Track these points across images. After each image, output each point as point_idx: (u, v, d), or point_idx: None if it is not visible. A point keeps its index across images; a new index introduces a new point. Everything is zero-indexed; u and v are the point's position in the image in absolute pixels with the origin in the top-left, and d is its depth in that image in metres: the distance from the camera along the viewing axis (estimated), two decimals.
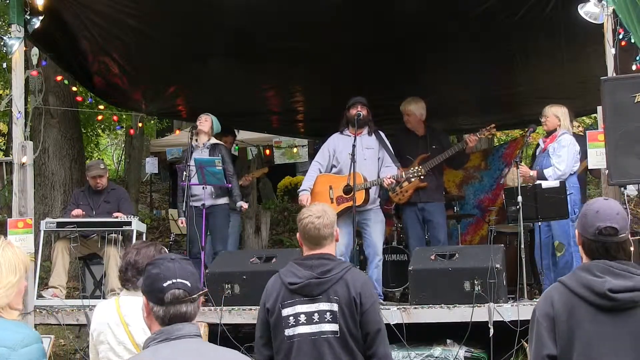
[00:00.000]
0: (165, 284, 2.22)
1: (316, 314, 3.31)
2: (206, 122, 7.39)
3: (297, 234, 3.50)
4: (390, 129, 8.49)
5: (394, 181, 6.70)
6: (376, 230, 6.76)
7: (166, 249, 3.61)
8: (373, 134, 6.91)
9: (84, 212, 7.30)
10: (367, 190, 6.68)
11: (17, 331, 2.31)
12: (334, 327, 3.29)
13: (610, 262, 2.57)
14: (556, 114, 6.79)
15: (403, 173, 6.72)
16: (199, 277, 2.31)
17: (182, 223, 7.30)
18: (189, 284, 2.23)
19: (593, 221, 2.61)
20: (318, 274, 3.32)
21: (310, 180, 6.92)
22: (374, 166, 6.84)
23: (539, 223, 6.61)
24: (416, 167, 6.77)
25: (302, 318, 3.32)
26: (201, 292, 2.26)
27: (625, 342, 2.52)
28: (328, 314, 3.30)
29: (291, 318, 3.33)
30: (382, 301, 6.59)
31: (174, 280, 2.22)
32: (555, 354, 2.56)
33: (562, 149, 6.69)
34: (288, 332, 3.33)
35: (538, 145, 7.07)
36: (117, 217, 7.19)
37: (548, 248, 6.67)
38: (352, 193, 6.50)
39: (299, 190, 6.98)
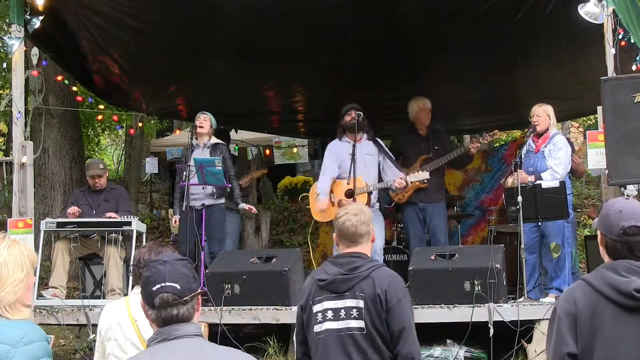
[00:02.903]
0: (154, 288, 2.21)
1: (342, 310, 3.34)
2: (205, 121, 7.36)
3: (334, 234, 3.52)
4: (391, 129, 8.51)
5: (405, 183, 6.69)
6: (375, 231, 6.74)
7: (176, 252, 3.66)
8: (371, 141, 6.91)
9: (80, 210, 7.30)
10: (369, 194, 6.68)
11: (20, 328, 2.31)
12: (360, 323, 3.32)
13: (636, 262, 2.54)
14: (547, 112, 6.78)
15: (408, 178, 6.71)
16: (194, 278, 2.28)
17: (175, 222, 7.31)
18: (179, 287, 2.21)
19: (617, 221, 2.57)
20: (346, 271, 3.37)
21: (326, 185, 6.84)
22: (375, 172, 6.86)
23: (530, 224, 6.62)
24: (420, 172, 6.76)
25: (329, 314, 3.36)
26: (194, 294, 2.24)
27: None
28: (354, 310, 3.33)
29: (319, 314, 3.38)
30: None
31: (163, 284, 2.21)
32: (575, 352, 2.53)
33: (559, 151, 6.66)
34: (317, 328, 3.38)
35: (524, 143, 7.05)
36: (110, 217, 7.18)
37: (534, 249, 6.65)
38: (353, 197, 6.50)
39: (320, 195, 6.81)
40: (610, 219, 2.61)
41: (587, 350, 2.52)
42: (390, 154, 6.98)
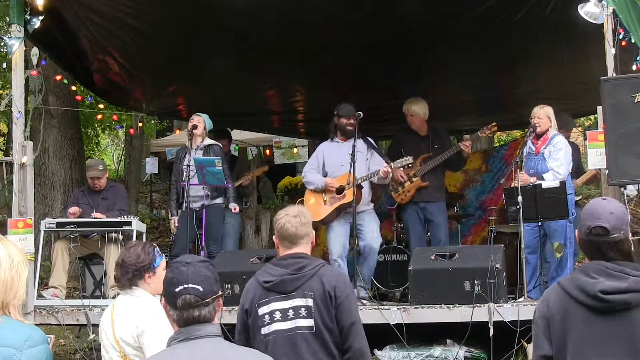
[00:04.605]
0: (177, 289, 2.25)
1: (291, 310, 3.34)
2: (200, 123, 7.34)
3: (274, 236, 3.52)
4: (391, 129, 8.50)
5: (389, 170, 6.71)
6: (372, 229, 6.79)
7: (157, 247, 3.67)
8: (361, 139, 6.92)
9: (81, 210, 7.31)
10: (359, 187, 6.69)
11: (23, 331, 2.31)
12: (309, 322, 3.32)
13: (606, 263, 2.55)
14: (548, 114, 6.78)
15: (392, 164, 6.75)
16: (215, 280, 2.33)
17: (175, 224, 7.29)
18: (201, 289, 2.25)
19: (585, 221, 2.61)
20: (292, 271, 3.37)
21: (317, 175, 6.90)
22: (364, 169, 6.87)
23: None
24: (405, 157, 6.79)
25: (277, 315, 3.35)
26: (216, 296, 2.28)
27: (619, 344, 2.50)
28: (303, 309, 3.33)
29: (267, 316, 3.36)
30: (381, 302, 6.62)
31: (186, 286, 2.25)
32: (550, 354, 2.57)
33: (559, 152, 6.66)
34: (264, 330, 3.36)
35: (525, 144, 7.06)
36: (96, 218, 7.20)
37: (536, 249, 6.65)
38: (352, 191, 6.53)
39: (317, 186, 6.87)
40: (581, 218, 2.65)
41: (561, 353, 2.55)
42: (378, 150, 7.06)
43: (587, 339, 2.52)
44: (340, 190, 6.71)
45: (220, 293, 2.30)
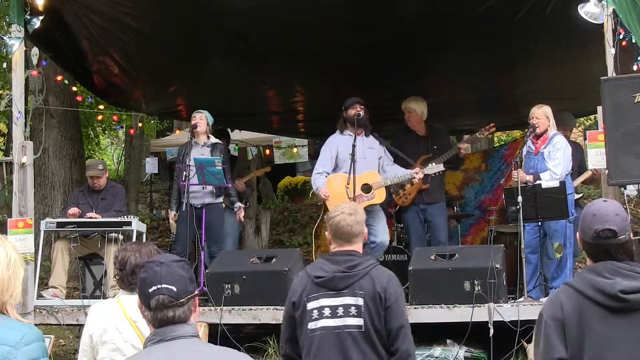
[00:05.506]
0: (150, 290, 2.22)
1: (340, 308, 3.34)
2: (202, 120, 7.34)
3: (326, 232, 3.53)
4: (391, 129, 8.50)
5: (422, 176, 6.82)
6: (383, 226, 6.89)
7: (157, 247, 3.60)
8: (371, 135, 6.94)
9: (80, 211, 7.31)
10: (387, 188, 6.78)
11: (19, 329, 2.32)
12: (359, 321, 3.33)
13: (617, 264, 2.55)
14: (546, 114, 6.77)
15: (425, 169, 6.82)
16: (190, 279, 2.29)
17: (173, 217, 7.29)
18: (175, 289, 2.21)
19: (591, 224, 2.60)
20: (345, 268, 3.37)
21: (321, 180, 6.87)
22: (375, 166, 6.88)
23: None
24: (433, 164, 6.83)
25: (327, 311, 3.35)
26: (191, 296, 2.24)
27: (638, 343, 2.50)
28: (353, 308, 3.34)
29: (315, 311, 3.36)
30: None
31: (159, 286, 2.21)
32: (566, 357, 2.54)
33: (558, 151, 6.66)
34: (311, 325, 3.36)
35: (525, 144, 7.06)
36: (91, 218, 7.19)
37: (537, 249, 6.65)
38: (358, 192, 6.60)
39: (316, 189, 6.86)
40: (585, 222, 2.63)
41: (577, 354, 2.53)
42: (387, 146, 7.11)
43: (606, 340, 2.51)
44: (368, 190, 6.72)
45: (195, 293, 2.27)
